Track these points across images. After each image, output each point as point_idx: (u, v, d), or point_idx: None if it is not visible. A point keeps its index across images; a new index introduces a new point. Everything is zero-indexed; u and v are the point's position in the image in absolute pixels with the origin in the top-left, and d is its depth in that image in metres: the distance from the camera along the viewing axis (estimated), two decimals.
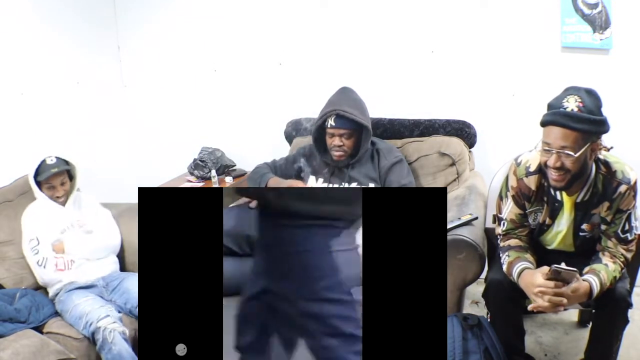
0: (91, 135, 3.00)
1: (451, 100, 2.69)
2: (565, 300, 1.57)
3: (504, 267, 1.75)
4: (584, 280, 1.60)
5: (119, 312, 2.00)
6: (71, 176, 2.24)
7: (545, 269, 1.59)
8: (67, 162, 2.19)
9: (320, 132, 2.33)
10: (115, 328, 1.84)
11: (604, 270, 1.63)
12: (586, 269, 1.66)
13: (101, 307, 1.91)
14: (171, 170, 3.12)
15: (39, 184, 2.16)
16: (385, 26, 2.72)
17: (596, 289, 1.60)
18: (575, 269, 1.57)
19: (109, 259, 2.22)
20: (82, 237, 2.17)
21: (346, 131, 2.26)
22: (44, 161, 2.13)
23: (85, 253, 2.14)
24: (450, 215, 2.01)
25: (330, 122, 2.25)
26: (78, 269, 2.11)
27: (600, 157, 1.65)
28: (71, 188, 2.24)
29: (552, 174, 1.59)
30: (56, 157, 2.15)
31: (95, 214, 2.30)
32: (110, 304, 2.02)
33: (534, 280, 1.61)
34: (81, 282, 2.08)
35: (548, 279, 1.58)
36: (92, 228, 2.23)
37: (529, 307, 1.61)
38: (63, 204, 2.21)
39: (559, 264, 1.61)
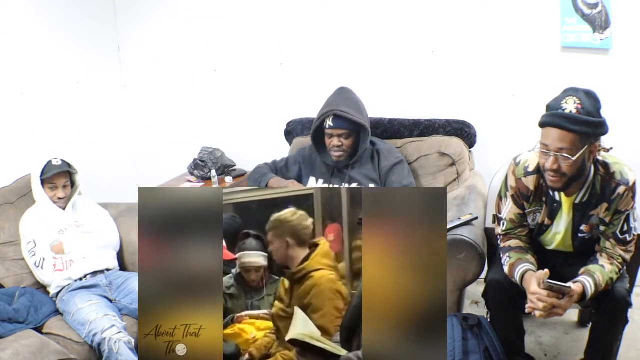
0: (91, 135, 3.00)
1: (451, 100, 2.69)
2: (560, 311, 1.57)
3: (506, 269, 1.75)
4: (577, 282, 1.60)
5: (121, 310, 2.01)
6: (73, 182, 2.26)
7: (541, 275, 1.59)
8: (71, 167, 2.21)
9: (319, 133, 2.33)
10: (120, 338, 1.83)
11: (599, 271, 1.63)
12: (582, 270, 1.66)
13: (105, 317, 1.89)
14: (171, 170, 3.12)
15: (42, 182, 2.17)
16: (385, 26, 2.72)
17: (590, 290, 1.59)
18: (567, 285, 1.56)
19: (108, 254, 2.23)
20: (80, 237, 2.18)
21: (344, 131, 2.26)
22: (50, 162, 2.15)
23: (84, 252, 2.14)
24: (450, 215, 2.00)
25: (329, 122, 2.26)
26: (77, 265, 2.11)
27: (599, 158, 1.64)
28: (72, 193, 2.25)
29: (550, 176, 1.59)
30: (62, 160, 2.17)
31: (94, 214, 2.30)
32: (113, 305, 2.03)
33: (529, 286, 1.61)
34: (83, 280, 2.09)
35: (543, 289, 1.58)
36: (91, 229, 2.23)
37: (527, 310, 1.61)
38: (63, 207, 2.22)
39: (559, 264, 1.61)
